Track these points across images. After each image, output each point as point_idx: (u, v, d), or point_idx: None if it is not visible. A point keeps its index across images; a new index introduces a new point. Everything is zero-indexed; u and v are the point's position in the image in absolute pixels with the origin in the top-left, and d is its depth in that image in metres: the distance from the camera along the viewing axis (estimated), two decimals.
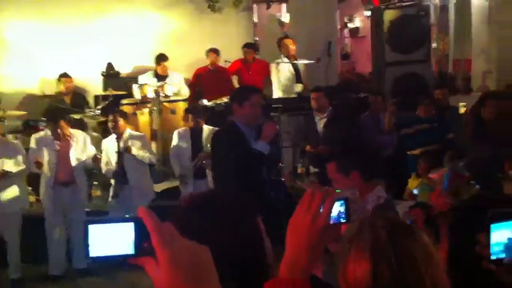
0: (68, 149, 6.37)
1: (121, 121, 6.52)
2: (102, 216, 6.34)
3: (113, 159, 6.49)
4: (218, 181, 4.92)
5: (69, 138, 6.36)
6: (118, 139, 6.48)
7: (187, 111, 7.56)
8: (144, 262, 0.99)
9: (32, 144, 6.41)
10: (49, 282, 6.22)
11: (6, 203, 6.14)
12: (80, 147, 6.45)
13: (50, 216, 6.36)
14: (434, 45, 8.41)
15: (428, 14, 8.35)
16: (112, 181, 6.68)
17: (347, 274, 1.32)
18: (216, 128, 6.10)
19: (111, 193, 6.60)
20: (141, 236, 0.99)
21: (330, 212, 1.35)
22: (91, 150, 6.56)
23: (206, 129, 6.89)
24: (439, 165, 5.70)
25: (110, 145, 6.58)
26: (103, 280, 6.13)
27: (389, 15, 8.23)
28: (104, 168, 6.64)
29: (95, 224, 1.01)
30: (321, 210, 1.34)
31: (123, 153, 6.41)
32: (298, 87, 7.94)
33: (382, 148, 7.10)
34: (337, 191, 1.41)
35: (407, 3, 8.46)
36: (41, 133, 6.57)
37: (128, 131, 6.63)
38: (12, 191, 6.22)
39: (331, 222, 1.36)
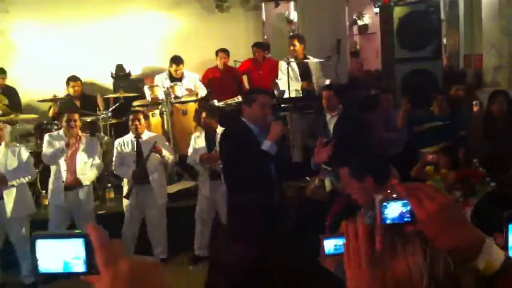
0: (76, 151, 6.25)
1: (142, 121, 6.53)
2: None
3: (131, 159, 6.46)
4: (227, 180, 4.91)
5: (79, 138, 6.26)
6: (138, 139, 6.48)
7: (201, 108, 7.43)
8: (95, 280, 0.98)
9: (45, 142, 6.28)
10: None
11: (14, 209, 5.99)
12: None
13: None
14: (444, 41, 8.35)
15: (437, 10, 8.31)
16: (125, 182, 6.63)
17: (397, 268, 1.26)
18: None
19: (124, 194, 6.50)
20: (92, 253, 0.97)
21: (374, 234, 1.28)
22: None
23: (219, 131, 6.72)
24: (455, 162, 5.66)
25: (126, 145, 6.53)
26: None
27: (398, 11, 8.18)
28: (117, 168, 6.61)
29: (43, 239, 0.98)
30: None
31: (146, 153, 6.36)
32: (297, 86, 7.94)
33: (391, 146, 7.05)
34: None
35: (417, 0, 8.44)
36: (55, 132, 6.52)
37: (147, 132, 6.65)
38: (19, 197, 6.05)
39: (395, 222, 1.31)
